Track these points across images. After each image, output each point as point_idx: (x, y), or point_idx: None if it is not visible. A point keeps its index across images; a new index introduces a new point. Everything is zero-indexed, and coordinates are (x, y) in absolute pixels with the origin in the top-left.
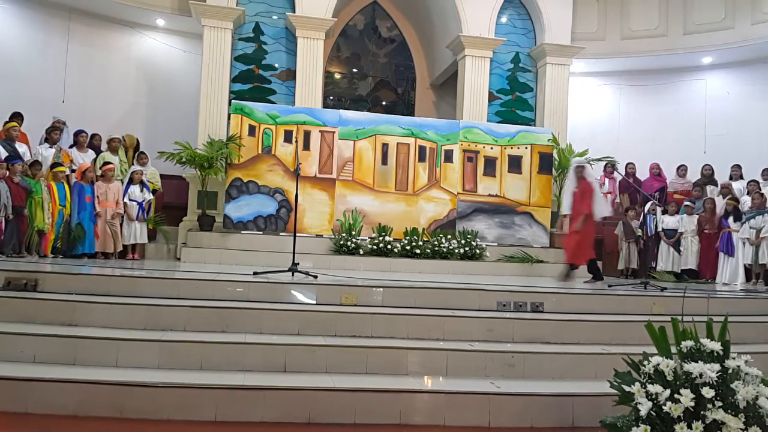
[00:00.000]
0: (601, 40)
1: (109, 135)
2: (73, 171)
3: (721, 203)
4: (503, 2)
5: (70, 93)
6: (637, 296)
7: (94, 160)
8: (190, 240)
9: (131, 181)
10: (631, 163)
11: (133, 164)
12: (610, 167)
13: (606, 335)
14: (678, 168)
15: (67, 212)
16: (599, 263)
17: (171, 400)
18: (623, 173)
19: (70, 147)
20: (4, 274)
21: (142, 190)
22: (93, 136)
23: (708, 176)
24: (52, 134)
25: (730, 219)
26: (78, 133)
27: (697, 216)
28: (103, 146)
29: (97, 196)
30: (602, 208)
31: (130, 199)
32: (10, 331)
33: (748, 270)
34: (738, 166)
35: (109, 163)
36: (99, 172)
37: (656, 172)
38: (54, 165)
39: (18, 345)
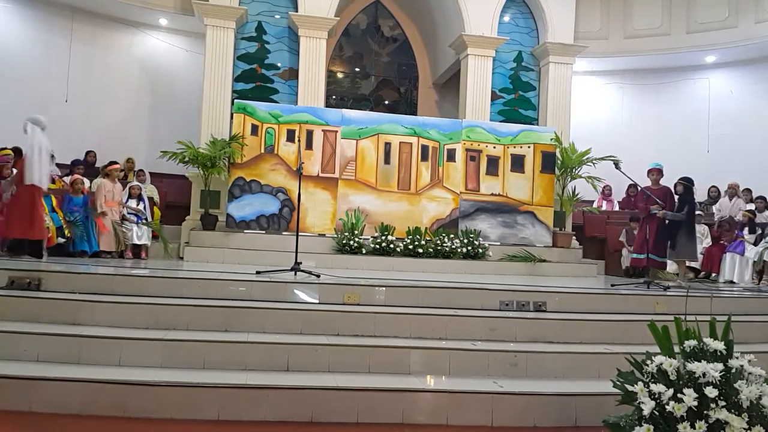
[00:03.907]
0: (604, 39)
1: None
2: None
3: (733, 209)
4: (506, 1)
5: (72, 92)
6: (640, 295)
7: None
8: (192, 239)
9: (129, 196)
10: (633, 186)
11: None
12: (608, 190)
13: (609, 335)
14: None
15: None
16: (602, 263)
17: (174, 399)
18: (626, 176)
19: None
20: (8, 273)
21: (138, 204)
22: (88, 152)
23: (714, 197)
24: None
25: (745, 230)
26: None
27: (706, 227)
28: (99, 163)
29: (104, 195)
30: (33, 174)
31: (128, 213)
32: (14, 330)
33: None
34: (749, 190)
35: (114, 162)
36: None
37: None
38: None
39: (21, 344)
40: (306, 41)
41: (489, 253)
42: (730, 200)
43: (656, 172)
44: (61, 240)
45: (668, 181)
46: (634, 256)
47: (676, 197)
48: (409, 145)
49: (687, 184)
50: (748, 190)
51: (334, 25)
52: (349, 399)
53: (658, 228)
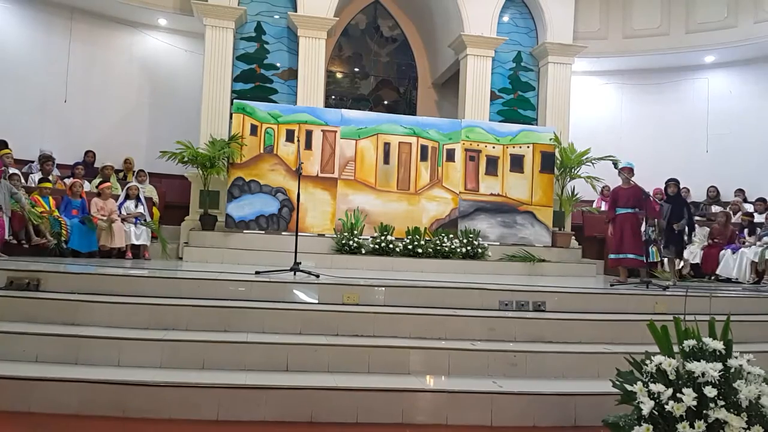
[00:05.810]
0: (603, 39)
1: (102, 163)
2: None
3: (733, 218)
4: (505, 1)
5: (72, 92)
6: (640, 295)
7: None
8: (192, 239)
9: (127, 197)
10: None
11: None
12: (607, 190)
13: (608, 334)
14: None
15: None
16: (601, 262)
17: (173, 399)
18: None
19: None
20: (7, 273)
21: (137, 206)
22: (87, 152)
23: (713, 197)
24: (45, 165)
25: (745, 231)
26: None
27: (708, 229)
28: (98, 162)
29: (97, 211)
30: None
31: (126, 213)
32: (13, 330)
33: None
34: (741, 191)
35: (106, 181)
36: (95, 190)
37: (659, 198)
38: (42, 180)
39: (20, 344)
40: (305, 41)
41: (488, 253)
42: (734, 215)
43: (628, 171)
44: (53, 244)
45: (659, 182)
46: (612, 256)
47: (664, 198)
48: (408, 145)
49: (677, 182)
50: (741, 191)
51: (333, 25)
52: (348, 399)
53: (633, 227)
